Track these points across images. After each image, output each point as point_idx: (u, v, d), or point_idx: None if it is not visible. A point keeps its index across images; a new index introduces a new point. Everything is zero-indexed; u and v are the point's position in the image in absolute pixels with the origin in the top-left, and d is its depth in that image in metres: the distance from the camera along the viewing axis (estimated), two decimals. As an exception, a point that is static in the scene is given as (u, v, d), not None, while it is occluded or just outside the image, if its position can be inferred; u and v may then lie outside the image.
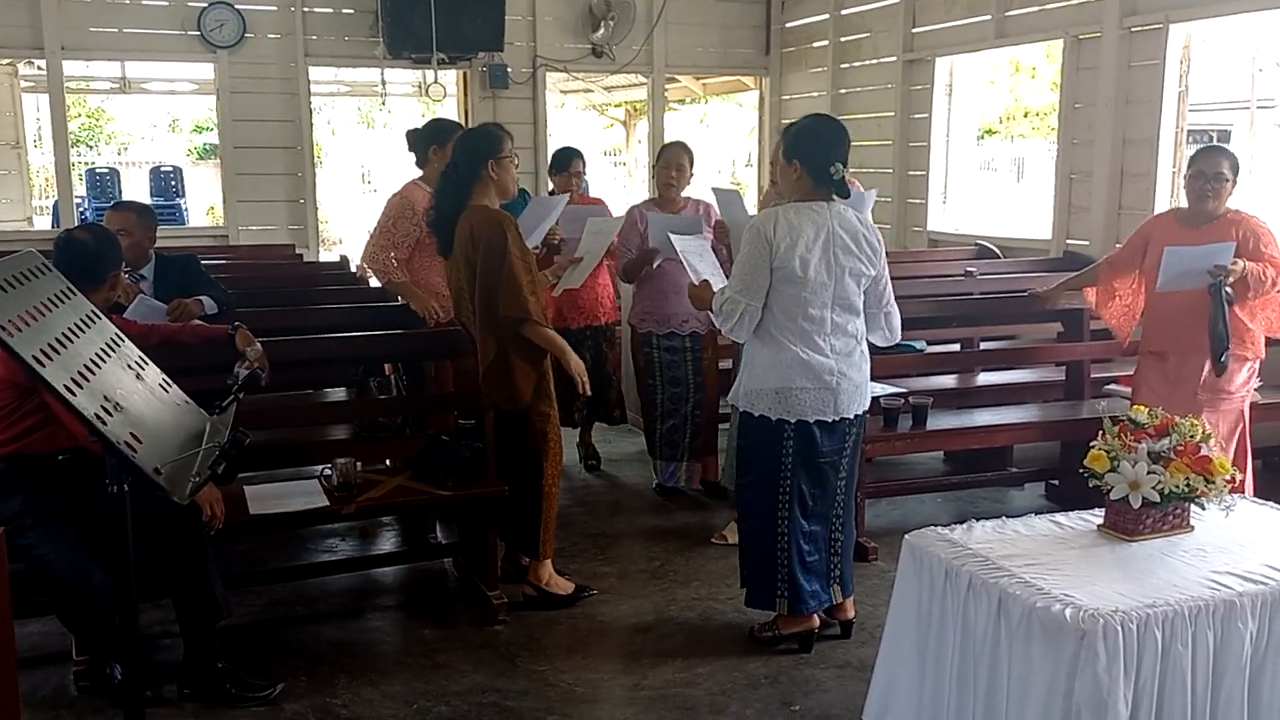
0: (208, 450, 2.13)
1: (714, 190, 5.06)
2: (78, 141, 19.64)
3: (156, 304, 4.31)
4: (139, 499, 2.23)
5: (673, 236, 4.57)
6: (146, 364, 2.27)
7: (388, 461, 4.62)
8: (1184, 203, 4.64)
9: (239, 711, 3.49)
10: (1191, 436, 3.04)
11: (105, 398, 1.93)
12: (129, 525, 2.07)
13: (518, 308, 3.92)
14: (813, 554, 3.80)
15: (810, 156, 3.64)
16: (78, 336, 2.02)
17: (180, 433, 2.17)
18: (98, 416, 1.86)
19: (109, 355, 2.11)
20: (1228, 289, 4.27)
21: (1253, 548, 2.93)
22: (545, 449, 4.16)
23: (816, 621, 3.88)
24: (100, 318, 2.24)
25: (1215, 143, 5.51)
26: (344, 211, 18.66)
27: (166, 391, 2.28)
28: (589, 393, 4.27)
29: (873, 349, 3.87)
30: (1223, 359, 4.29)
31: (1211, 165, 4.42)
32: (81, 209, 13.70)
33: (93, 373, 1.97)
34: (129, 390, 2.07)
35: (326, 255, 9.24)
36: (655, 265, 5.28)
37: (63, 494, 3.36)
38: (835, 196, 3.66)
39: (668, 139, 10.35)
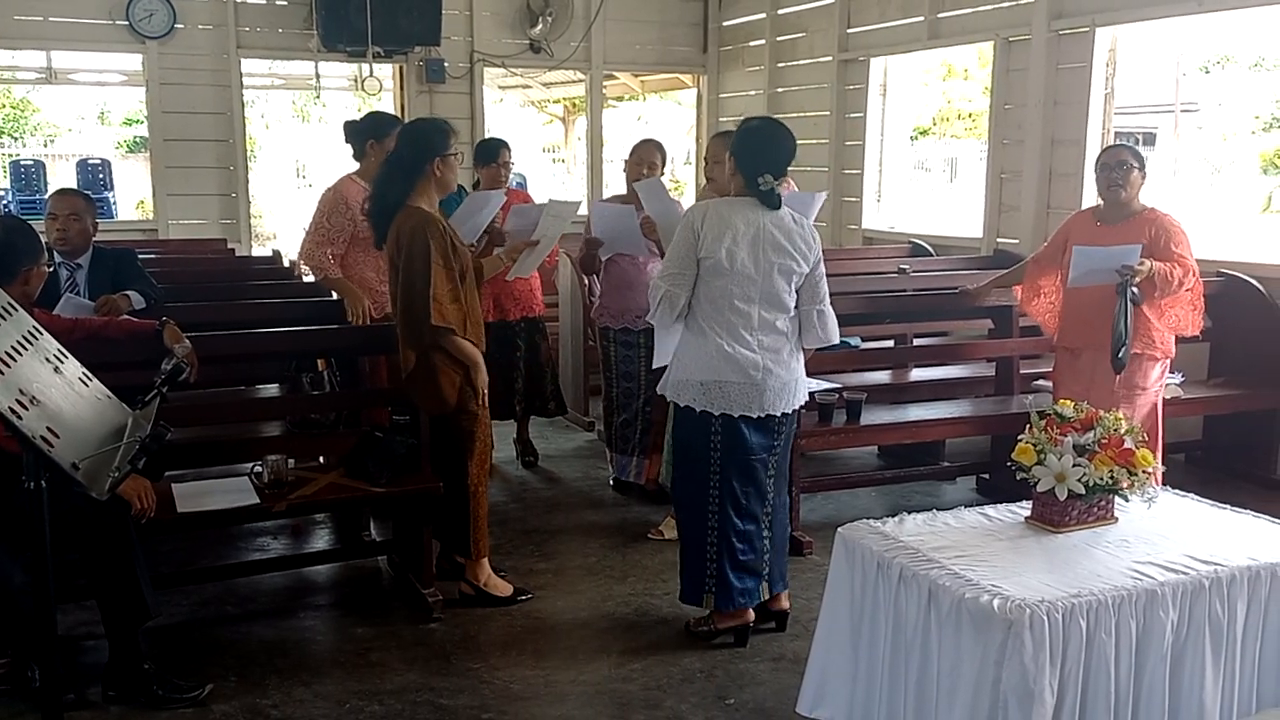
0: (128, 445, 2.08)
1: (635, 185, 5.08)
2: (1, 133, 19.12)
3: (84, 303, 4.22)
4: (63, 497, 2.17)
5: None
6: (66, 357, 2.21)
7: (321, 458, 4.56)
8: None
9: (166, 714, 3.41)
10: (1115, 430, 3.11)
11: (21, 391, 1.88)
12: (46, 523, 2.02)
13: (441, 318, 3.88)
14: (747, 553, 3.81)
15: (743, 161, 3.70)
16: (-9, 329, 1.97)
17: (101, 427, 2.11)
18: (12, 410, 1.81)
19: (26, 348, 2.04)
20: (1134, 289, 4.36)
21: (1174, 538, 3.00)
22: (471, 448, 4.12)
23: (751, 616, 3.90)
24: (17, 310, 2.17)
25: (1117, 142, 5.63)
26: (279, 206, 18.40)
27: (87, 385, 2.22)
28: (486, 406, 4.21)
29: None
30: (1120, 355, 4.37)
31: (1113, 156, 4.57)
32: (4, 201, 13.39)
33: (8, 366, 1.91)
34: (46, 384, 2.01)
35: (260, 250, 9.11)
36: (605, 258, 5.29)
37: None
38: (764, 205, 3.68)
39: (606, 136, 10.40)
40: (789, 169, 3.81)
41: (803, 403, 3.88)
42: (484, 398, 4.08)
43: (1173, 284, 4.41)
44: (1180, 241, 4.48)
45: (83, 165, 15.53)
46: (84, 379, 2.23)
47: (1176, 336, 4.65)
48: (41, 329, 2.20)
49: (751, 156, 3.68)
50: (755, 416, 3.69)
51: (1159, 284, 4.39)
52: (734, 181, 3.75)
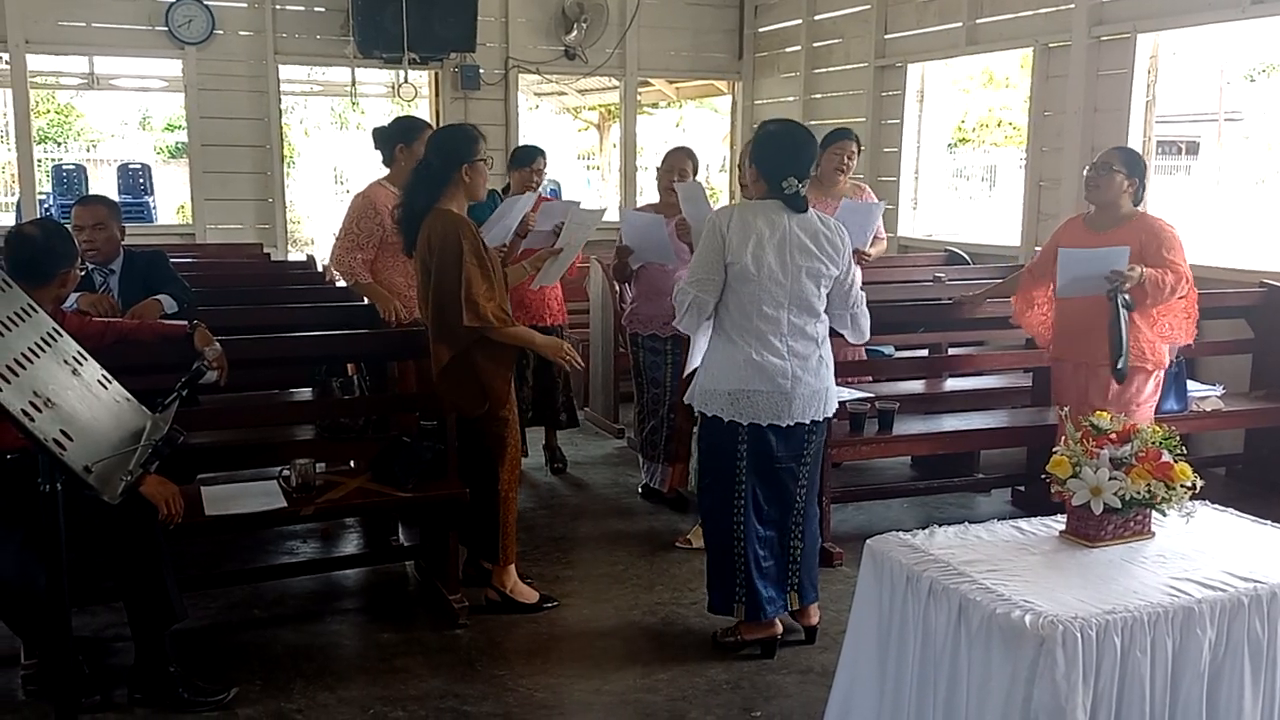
0: (142, 448, 2.07)
1: (675, 186, 5.05)
2: (45, 138, 19.44)
3: None
4: (89, 500, 2.16)
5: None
6: (85, 359, 2.20)
7: (350, 463, 4.56)
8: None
9: (191, 716, 3.42)
10: (1153, 443, 3.03)
11: (35, 393, 1.87)
12: (60, 525, 2.01)
13: (476, 318, 3.86)
14: (768, 560, 3.78)
15: (765, 165, 3.66)
16: (9, 330, 1.95)
17: (118, 430, 2.10)
18: (24, 412, 1.80)
19: (43, 350, 2.04)
20: (1125, 295, 4.22)
21: (1212, 554, 2.92)
22: (502, 454, 4.12)
23: (779, 627, 3.85)
24: (37, 311, 2.16)
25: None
26: (317, 212, 18.56)
27: (106, 388, 2.21)
28: (581, 364, 4.28)
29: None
30: (1120, 365, 4.25)
31: (1101, 157, 4.50)
32: (46, 206, 13.57)
33: (23, 367, 1.90)
34: (63, 385, 2.00)
35: (296, 255, 9.16)
36: (636, 267, 5.27)
37: (7, 495, 3.27)
38: (790, 209, 3.63)
39: (641, 143, 10.39)
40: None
41: (833, 412, 3.83)
42: (573, 359, 4.15)
43: (1164, 291, 4.25)
44: (1173, 247, 4.33)
45: (124, 170, 15.75)
46: (103, 381, 2.23)
47: (1180, 348, 4.57)
48: (61, 330, 2.20)
49: (774, 160, 3.64)
50: (784, 425, 3.65)
51: (1150, 291, 4.24)
52: (756, 187, 3.71)
